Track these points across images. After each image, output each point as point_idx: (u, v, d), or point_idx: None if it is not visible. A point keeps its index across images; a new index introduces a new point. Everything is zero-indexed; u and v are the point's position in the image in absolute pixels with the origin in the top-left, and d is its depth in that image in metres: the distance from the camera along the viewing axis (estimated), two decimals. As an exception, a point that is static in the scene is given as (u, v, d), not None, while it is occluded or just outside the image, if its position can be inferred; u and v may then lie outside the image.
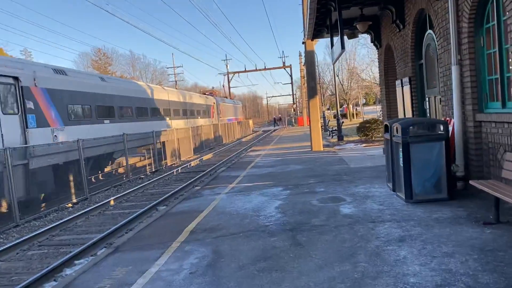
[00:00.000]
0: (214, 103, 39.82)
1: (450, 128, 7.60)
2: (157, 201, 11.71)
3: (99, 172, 16.51)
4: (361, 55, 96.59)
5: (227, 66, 75.20)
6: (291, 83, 76.62)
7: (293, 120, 65.64)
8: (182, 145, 25.25)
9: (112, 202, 12.52)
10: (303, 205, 7.58)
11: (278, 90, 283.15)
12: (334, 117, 72.32)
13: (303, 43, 18.72)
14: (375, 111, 72.13)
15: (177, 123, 27.23)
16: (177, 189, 13.52)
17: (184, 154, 25.55)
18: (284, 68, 72.64)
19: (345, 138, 22.80)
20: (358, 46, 47.08)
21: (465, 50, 7.14)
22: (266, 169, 13.84)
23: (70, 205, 13.01)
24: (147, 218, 9.07)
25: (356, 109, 72.37)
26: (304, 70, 59.87)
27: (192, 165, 21.59)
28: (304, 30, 17.61)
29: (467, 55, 7.09)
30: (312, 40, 17.89)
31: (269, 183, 10.55)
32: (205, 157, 24.61)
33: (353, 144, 19.79)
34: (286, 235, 5.69)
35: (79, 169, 13.71)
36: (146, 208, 10.94)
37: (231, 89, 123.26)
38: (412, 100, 10.94)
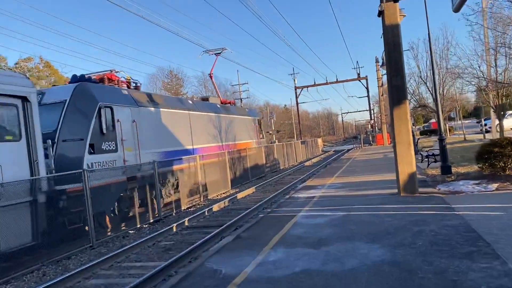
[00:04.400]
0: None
1: None
2: None
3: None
4: (462, 46, 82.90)
5: (294, 81, 68.76)
6: (368, 96, 67.73)
7: (371, 138, 56.70)
8: (211, 176, 18.45)
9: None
10: None
11: (353, 105, 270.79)
12: (421, 133, 62.06)
13: (379, 13, 11.13)
14: (472, 126, 60.71)
15: None
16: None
17: (215, 189, 18.69)
18: (359, 80, 64.22)
19: (452, 169, 14.43)
20: (456, 34, 37.46)
21: None
22: (303, 252, 6.44)
23: None
24: None
25: (447, 124, 61.36)
26: (380, 72, 50.21)
27: (214, 209, 14.61)
28: (381, -16, 10.09)
29: None
30: (395, 1, 10.31)
31: None
32: (241, 195, 17.52)
33: (471, 182, 11.56)
34: None
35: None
36: None
37: (303, 106, 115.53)
38: None
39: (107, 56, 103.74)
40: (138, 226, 12.83)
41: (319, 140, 60.49)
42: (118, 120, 13.18)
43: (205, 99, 23.09)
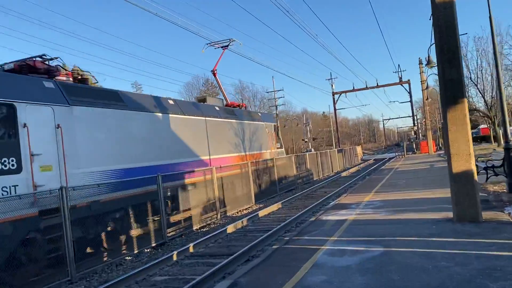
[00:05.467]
0: None
1: None
2: None
3: None
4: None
5: (332, 86, 66.25)
6: (410, 101, 63.99)
7: (414, 146, 53.07)
8: (231, 190, 16.42)
9: None
10: None
11: (394, 110, 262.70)
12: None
13: (428, -11, 8.74)
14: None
15: None
16: None
17: (236, 204, 16.64)
18: (401, 85, 60.85)
19: (520, 185, 11.64)
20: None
21: None
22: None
23: None
24: None
25: (500, 130, 56.59)
26: (425, 71, 45.90)
27: (228, 231, 12.50)
28: None
29: None
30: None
31: None
32: (263, 212, 15.34)
33: (554, 205, 8.87)
34: None
35: None
36: None
37: (342, 113, 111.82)
38: None
39: (145, 66, 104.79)
40: (136, 252, 10.92)
41: (358, 148, 57.35)
42: (24, 125, 8.99)
43: (202, 100, 18.74)
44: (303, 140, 59.51)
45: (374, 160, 51.65)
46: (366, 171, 31.50)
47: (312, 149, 49.13)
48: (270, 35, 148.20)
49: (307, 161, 27.28)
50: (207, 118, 16.66)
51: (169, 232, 13.00)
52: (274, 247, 8.26)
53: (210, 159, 15.97)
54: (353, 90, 62.89)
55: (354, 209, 11.74)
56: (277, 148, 24.14)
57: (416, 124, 71.68)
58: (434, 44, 9.07)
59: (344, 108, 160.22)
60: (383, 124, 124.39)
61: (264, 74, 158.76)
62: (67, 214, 8.80)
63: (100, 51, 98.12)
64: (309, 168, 27.50)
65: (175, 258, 9.87)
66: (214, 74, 22.00)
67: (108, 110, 11.52)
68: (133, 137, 12.23)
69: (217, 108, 18.18)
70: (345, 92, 63.76)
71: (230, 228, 12.69)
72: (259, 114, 24.05)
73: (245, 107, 22.45)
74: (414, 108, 68.42)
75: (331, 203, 14.11)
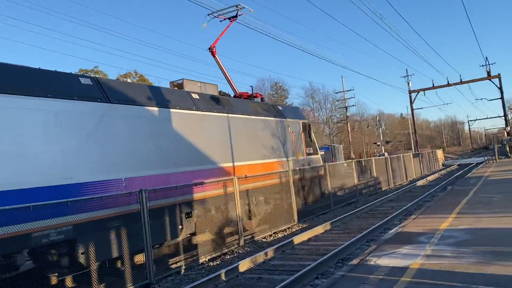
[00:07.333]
0: None
1: None
2: None
3: None
4: None
5: (408, 84, 60.24)
6: (501, 98, 55.98)
7: (508, 149, 45.61)
8: (262, 208, 12.91)
9: None
10: None
11: (482, 110, 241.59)
12: None
13: None
14: None
15: None
16: None
17: (271, 224, 13.05)
18: (490, 79, 53.52)
19: None
20: None
21: None
22: None
23: None
24: None
25: None
26: None
27: (241, 269, 8.97)
28: None
29: None
30: None
31: None
32: (301, 237, 11.57)
33: None
34: None
35: None
36: None
37: (422, 114, 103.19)
38: None
39: (208, 69, 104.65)
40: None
41: (439, 152, 50.79)
42: None
43: (179, 85, 12.76)
44: (375, 143, 54.20)
45: (458, 165, 45.10)
46: (447, 180, 26.20)
47: (386, 153, 43.94)
48: (340, 29, 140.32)
49: (373, 168, 22.88)
50: (175, 110, 10.93)
51: (172, 263, 9.89)
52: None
53: (177, 173, 10.47)
54: (433, 87, 56.64)
55: (423, 245, 7.67)
56: (307, 154, 17.12)
57: (509, 124, 62.81)
58: None
59: (422, 108, 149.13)
60: (469, 125, 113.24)
61: (335, 75, 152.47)
62: None
63: (156, 54, 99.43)
64: (376, 176, 23.06)
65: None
66: (213, 53, 15.71)
67: None
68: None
69: (196, 97, 12.11)
70: (424, 90, 57.67)
71: (245, 264, 9.16)
72: (279, 107, 17.22)
73: (261, 98, 16.51)
74: (506, 106, 60.11)
75: (392, 230, 10.01)
